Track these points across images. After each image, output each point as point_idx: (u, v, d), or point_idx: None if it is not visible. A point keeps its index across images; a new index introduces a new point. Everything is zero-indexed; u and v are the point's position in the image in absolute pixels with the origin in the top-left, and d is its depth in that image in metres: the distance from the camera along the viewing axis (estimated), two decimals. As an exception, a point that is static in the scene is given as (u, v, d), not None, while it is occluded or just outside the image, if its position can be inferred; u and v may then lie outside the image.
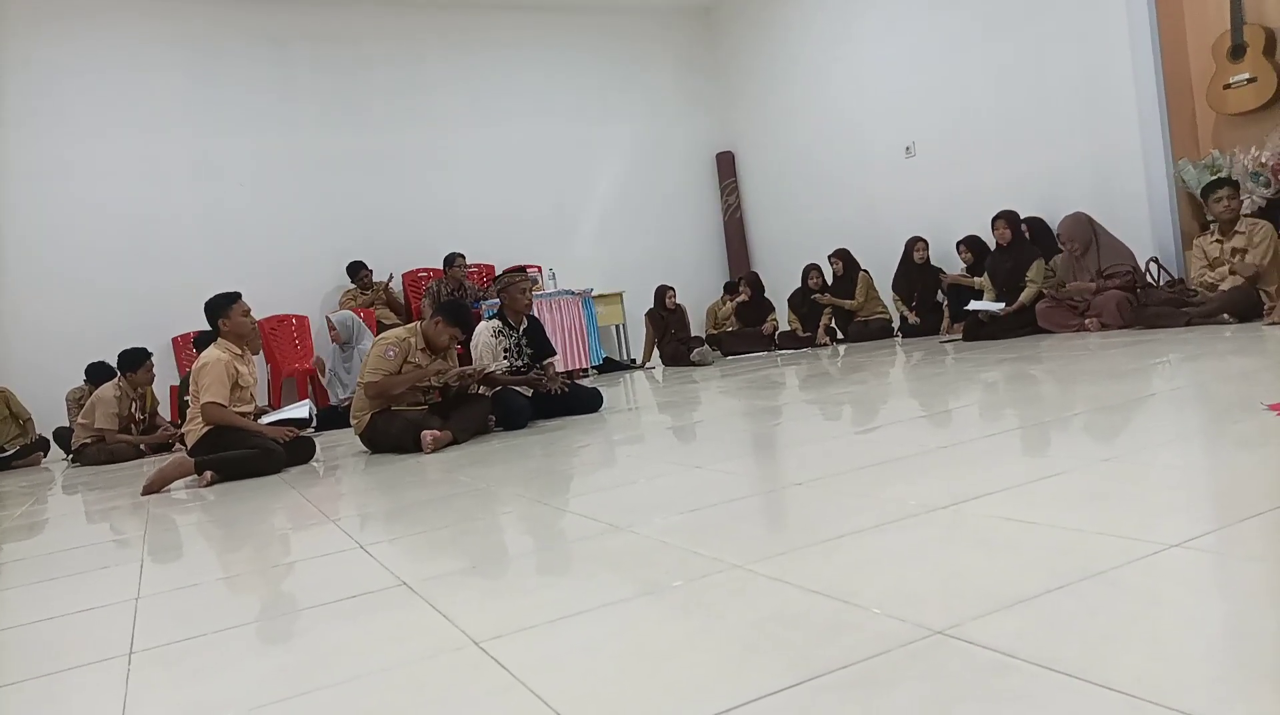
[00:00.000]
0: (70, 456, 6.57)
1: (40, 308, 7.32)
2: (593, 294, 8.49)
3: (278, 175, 8.25)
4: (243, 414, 4.24)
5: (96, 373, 6.76)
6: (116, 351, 6.45)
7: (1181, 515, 1.55)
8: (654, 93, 9.98)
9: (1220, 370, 3.36)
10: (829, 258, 8.12)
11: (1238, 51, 5.56)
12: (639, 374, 8.04)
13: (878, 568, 1.48)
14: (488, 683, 1.22)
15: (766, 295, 8.73)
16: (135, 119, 7.77)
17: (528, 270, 8.25)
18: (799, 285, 8.42)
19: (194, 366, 4.28)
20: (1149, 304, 5.42)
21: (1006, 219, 6.43)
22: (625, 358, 9.04)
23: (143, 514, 3.38)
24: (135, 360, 6.36)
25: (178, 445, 5.86)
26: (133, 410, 6.44)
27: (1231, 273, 5.09)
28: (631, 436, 3.84)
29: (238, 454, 4.07)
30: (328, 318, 7.16)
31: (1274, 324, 4.51)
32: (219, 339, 4.32)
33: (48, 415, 7.08)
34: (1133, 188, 6.18)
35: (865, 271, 7.96)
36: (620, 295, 9.06)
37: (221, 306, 4.30)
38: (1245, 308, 4.93)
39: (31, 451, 6.85)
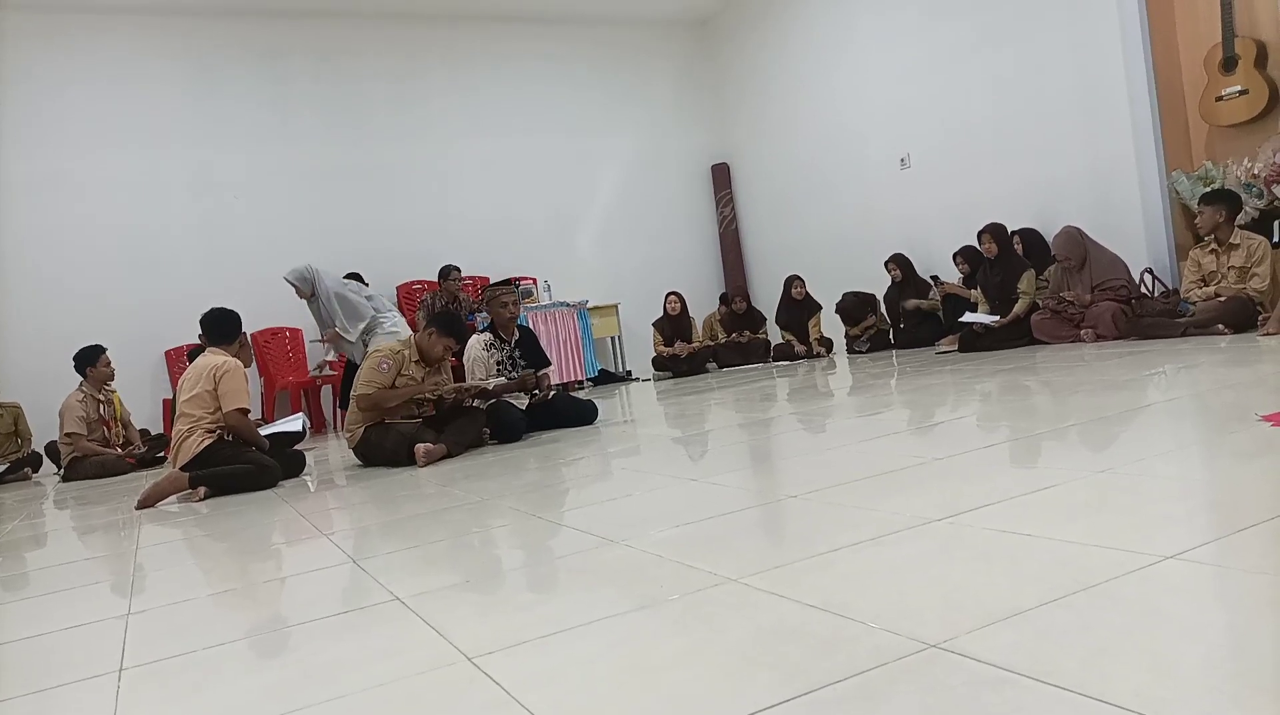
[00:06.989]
0: (60, 471, 6.52)
1: (39, 320, 7.28)
2: (588, 306, 8.48)
3: (274, 188, 8.24)
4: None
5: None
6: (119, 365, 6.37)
7: (1178, 527, 1.55)
8: (650, 104, 10.00)
9: (1215, 381, 3.36)
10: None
11: (1229, 64, 5.59)
12: (633, 386, 8.03)
13: (874, 581, 1.47)
14: (481, 698, 1.21)
15: (756, 306, 8.96)
16: (133, 132, 7.77)
17: (520, 283, 8.26)
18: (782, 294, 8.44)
19: (210, 367, 4.13)
20: (1144, 315, 5.43)
21: (991, 233, 6.42)
22: (620, 369, 9.03)
23: (135, 528, 3.36)
24: (90, 356, 6.20)
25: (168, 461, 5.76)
26: (101, 412, 6.26)
27: (1217, 295, 5.08)
28: (626, 449, 3.83)
29: (232, 469, 4.03)
30: (285, 280, 6.11)
31: (1269, 335, 4.52)
32: (220, 348, 4.30)
33: (47, 428, 7.02)
34: (1127, 198, 6.19)
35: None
36: (616, 307, 9.05)
37: (239, 328, 4.38)
38: (1240, 318, 4.93)
39: (22, 466, 6.80)
